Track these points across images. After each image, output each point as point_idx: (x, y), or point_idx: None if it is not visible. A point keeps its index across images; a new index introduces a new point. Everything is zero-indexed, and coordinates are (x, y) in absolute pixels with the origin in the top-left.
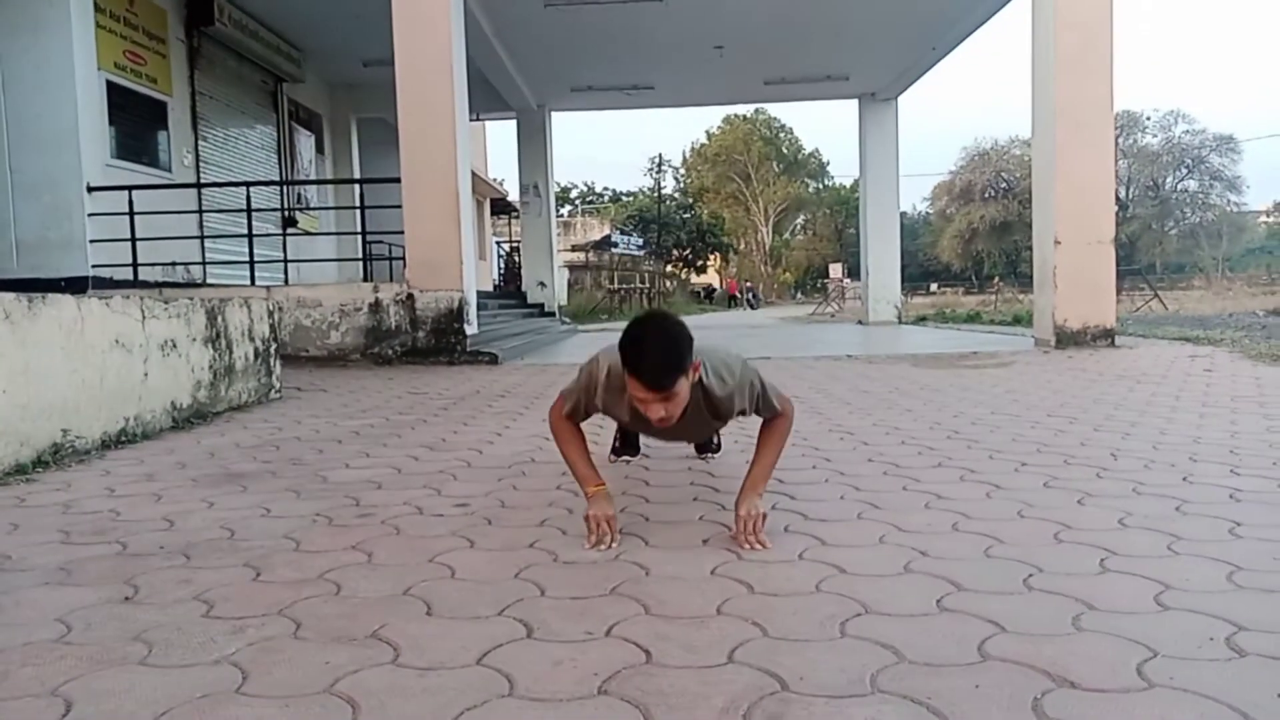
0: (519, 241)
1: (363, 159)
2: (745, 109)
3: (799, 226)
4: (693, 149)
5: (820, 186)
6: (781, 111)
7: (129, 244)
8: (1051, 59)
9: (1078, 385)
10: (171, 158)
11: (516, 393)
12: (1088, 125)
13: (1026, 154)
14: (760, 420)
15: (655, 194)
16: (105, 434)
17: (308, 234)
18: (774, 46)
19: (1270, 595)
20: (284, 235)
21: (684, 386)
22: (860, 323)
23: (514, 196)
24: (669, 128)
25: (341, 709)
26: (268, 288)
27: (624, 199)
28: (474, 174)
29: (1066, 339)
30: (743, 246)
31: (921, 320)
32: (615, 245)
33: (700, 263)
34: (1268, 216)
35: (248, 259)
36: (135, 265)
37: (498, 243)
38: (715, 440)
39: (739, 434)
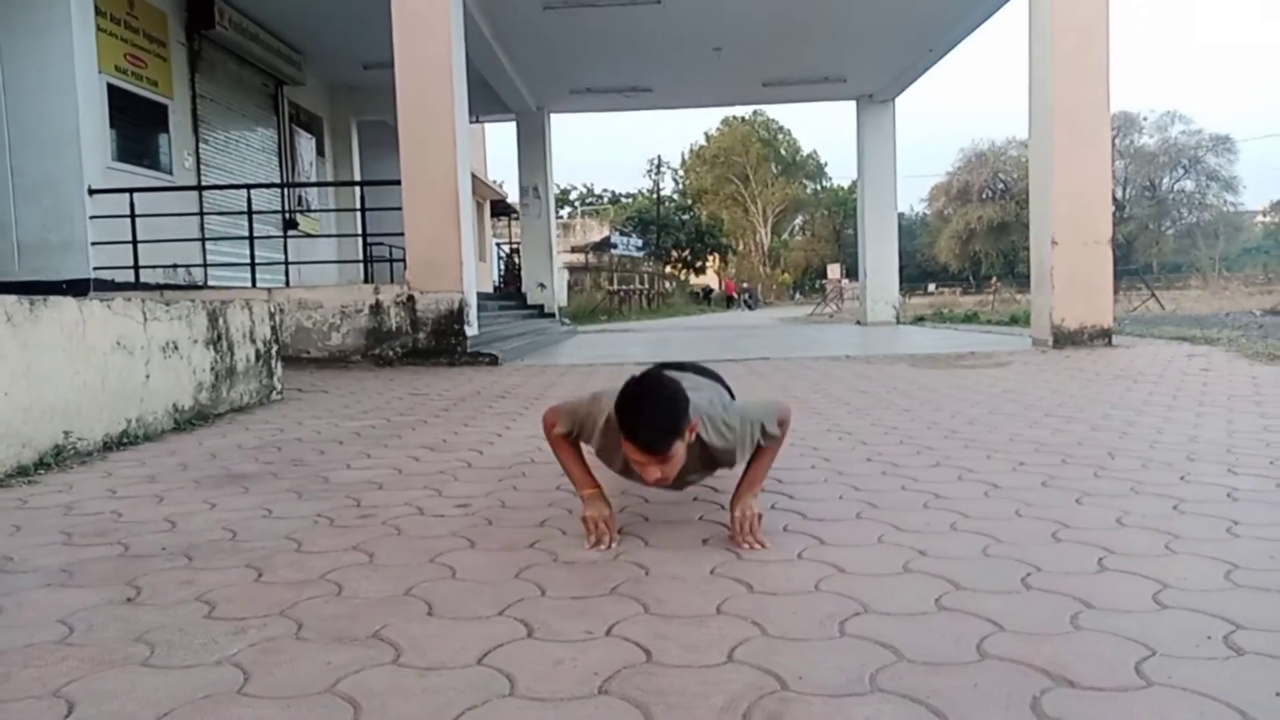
0: (519, 243)
1: (363, 161)
2: (744, 110)
3: (797, 227)
4: (691, 150)
5: (818, 188)
6: (780, 113)
7: (130, 246)
8: (1048, 61)
9: (1075, 385)
10: (172, 160)
11: (517, 394)
12: (1084, 126)
13: (1023, 155)
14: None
15: (654, 195)
16: (107, 436)
17: (308, 236)
18: (772, 48)
19: (1268, 594)
20: (285, 237)
21: (680, 449)
22: (858, 323)
23: (514, 198)
24: (668, 130)
25: (343, 709)
26: (269, 290)
27: (623, 200)
28: (474, 176)
29: (1064, 339)
30: (741, 247)
31: (919, 320)
32: (615, 246)
33: (699, 264)
34: (1264, 216)
35: (249, 261)
36: (136, 267)
37: (498, 244)
38: None
39: None
